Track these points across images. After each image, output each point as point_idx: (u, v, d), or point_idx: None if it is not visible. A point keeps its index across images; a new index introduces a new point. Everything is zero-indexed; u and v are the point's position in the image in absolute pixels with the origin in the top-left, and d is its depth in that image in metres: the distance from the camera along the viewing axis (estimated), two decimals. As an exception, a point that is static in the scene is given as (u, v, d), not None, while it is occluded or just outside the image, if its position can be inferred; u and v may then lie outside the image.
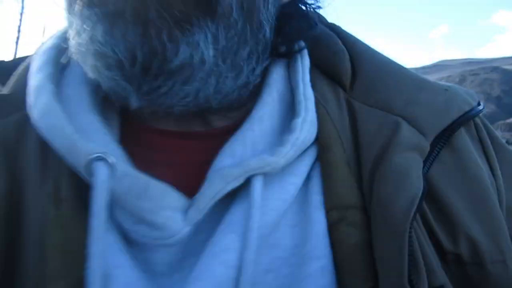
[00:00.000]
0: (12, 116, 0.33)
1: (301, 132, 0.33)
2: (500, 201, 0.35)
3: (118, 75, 0.28)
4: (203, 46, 0.29)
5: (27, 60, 0.37)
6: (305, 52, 0.38)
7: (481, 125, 0.38)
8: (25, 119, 0.32)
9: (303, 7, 0.37)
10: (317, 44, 0.38)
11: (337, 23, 0.41)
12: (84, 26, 0.28)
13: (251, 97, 0.35)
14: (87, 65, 0.30)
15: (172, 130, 0.35)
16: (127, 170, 0.30)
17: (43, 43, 0.36)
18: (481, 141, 0.37)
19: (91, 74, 0.30)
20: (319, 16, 0.39)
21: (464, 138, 0.35)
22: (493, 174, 0.36)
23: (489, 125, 0.39)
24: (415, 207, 0.30)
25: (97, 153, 0.28)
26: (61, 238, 0.29)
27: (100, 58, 0.28)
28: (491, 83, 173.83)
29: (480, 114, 0.37)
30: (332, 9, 0.38)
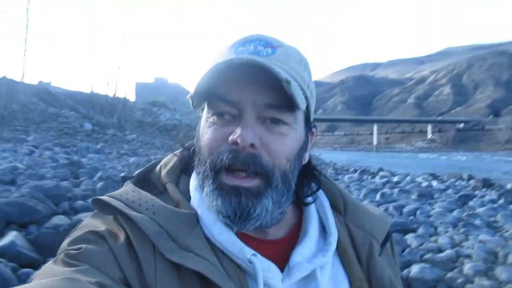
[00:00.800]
0: (196, 229, 0.65)
1: (334, 244, 0.72)
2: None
3: (227, 220, 0.64)
4: (267, 204, 0.65)
5: (164, 178, 0.74)
6: (325, 197, 0.79)
7: (392, 237, 0.83)
8: (201, 232, 0.66)
9: (313, 168, 0.78)
10: (327, 191, 0.81)
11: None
12: (211, 197, 0.65)
13: (285, 217, 0.72)
14: (213, 212, 0.66)
15: (252, 236, 0.70)
16: (262, 258, 0.65)
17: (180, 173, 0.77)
18: (392, 246, 0.83)
19: (216, 216, 0.66)
20: (321, 171, 0.80)
21: (388, 244, 0.80)
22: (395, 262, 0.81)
23: (393, 237, 0.85)
24: (391, 278, 0.74)
25: (252, 252, 0.64)
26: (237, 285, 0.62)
27: (219, 213, 0.64)
28: (500, 68, 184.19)
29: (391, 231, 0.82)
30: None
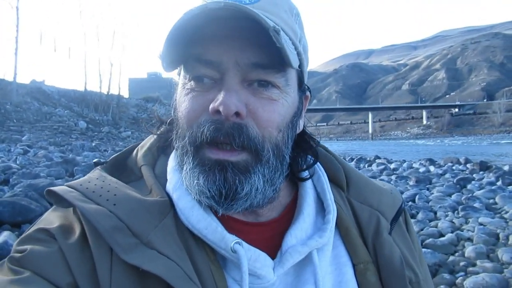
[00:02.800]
0: (167, 218, 0.57)
1: (333, 222, 0.64)
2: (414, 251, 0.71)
3: (212, 201, 0.55)
4: (257, 182, 0.56)
5: (140, 161, 0.66)
6: (323, 170, 0.70)
7: (406, 213, 0.75)
8: (174, 219, 0.57)
9: (308, 138, 0.69)
10: (326, 164, 0.72)
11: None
12: (192, 175, 0.56)
13: (279, 194, 0.63)
14: (194, 193, 0.57)
15: (240, 220, 0.62)
16: (248, 246, 0.57)
17: (157, 157, 0.68)
18: (406, 222, 0.74)
19: (196, 198, 0.57)
20: (318, 142, 0.71)
21: (400, 219, 0.72)
22: (412, 240, 0.72)
23: (407, 213, 0.76)
24: (403, 259, 0.65)
25: (236, 240, 0.56)
26: (217, 282, 0.55)
27: (201, 193, 0.55)
28: (494, 50, 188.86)
29: (404, 206, 0.74)
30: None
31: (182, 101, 0.59)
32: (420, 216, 5.25)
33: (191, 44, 0.56)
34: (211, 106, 0.54)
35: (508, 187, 7.39)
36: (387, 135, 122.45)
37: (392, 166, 12.20)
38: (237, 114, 0.54)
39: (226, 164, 0.55)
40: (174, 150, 0.64)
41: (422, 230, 4.65)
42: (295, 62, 0.55)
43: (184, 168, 0.58)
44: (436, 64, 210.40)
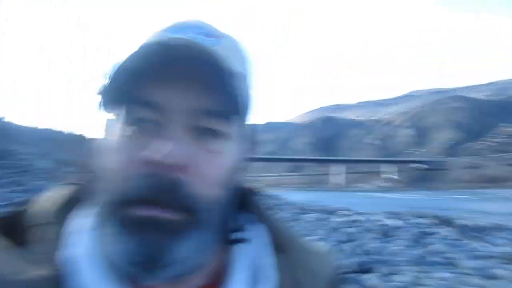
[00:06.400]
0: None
1: None
2: None
3: (134, 269, 0.45)
4: (192, 247, 0.46)
5: (40, 218, 0.51)
6: (264, 232, 0.60)
7: (340, 276, 0.68)
8: None
9: (247, 191, 0.61)
10: (267, 226, 0.62)
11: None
12: (111, 237, 0.45)
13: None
14: (114, 258, 0.45)
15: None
16: None
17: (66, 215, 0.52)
18: (339, 285, 0.67)
19: (116, 263, 0.45)
20: (260, 198, 0.63)
21: (336, 282, 0.66)
22: None
23: (341, 279, 0.70)
24: None
25: None
26: None
27: (123, 259, 0.44)
28: (457, 112, 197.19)
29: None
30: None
31: (112, 149, 0.49)
32: (381, 269, 5.24)
33: (134, 82, 0.46)
34: (147, 155, 0.45)
35: (466, 241, 7.58)
36: (355, 186, 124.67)
37: (356, 218, 12.30)
38: (178, 168, 0.45)
39: (159, 221, 0.45)
40: (90, 205, 0.53)
41: (383, 284, 4.63)
42: (247, 109, 0.54)
43: (103, 229, 0.48)
44: (405, 122, 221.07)
